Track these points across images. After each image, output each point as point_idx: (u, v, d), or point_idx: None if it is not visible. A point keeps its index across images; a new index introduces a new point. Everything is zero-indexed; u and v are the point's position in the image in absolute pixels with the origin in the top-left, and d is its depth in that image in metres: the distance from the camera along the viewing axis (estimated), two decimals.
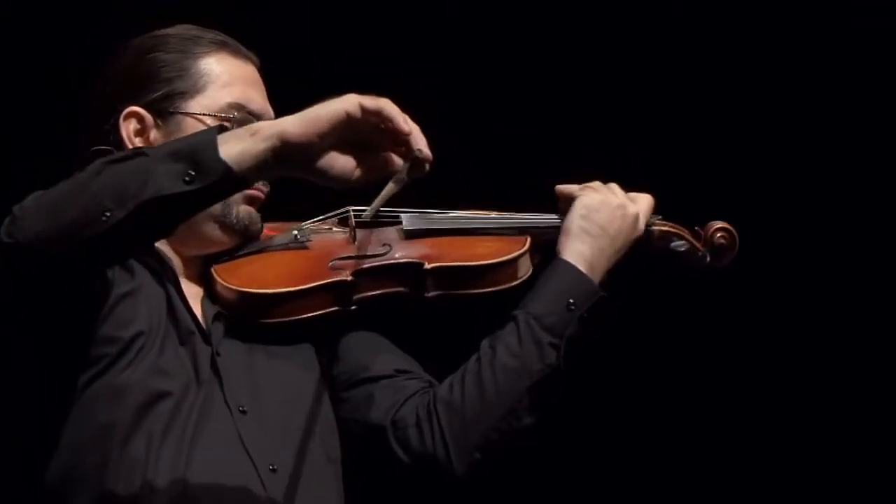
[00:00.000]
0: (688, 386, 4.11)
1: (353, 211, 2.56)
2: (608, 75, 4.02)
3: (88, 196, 2.19)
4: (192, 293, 2.51)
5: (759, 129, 4.05)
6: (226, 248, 2.54)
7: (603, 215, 2.58)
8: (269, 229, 2.60)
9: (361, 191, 2.30)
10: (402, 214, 2.59)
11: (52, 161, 3.58)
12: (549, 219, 2.63)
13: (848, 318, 4.10)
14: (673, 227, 2.69)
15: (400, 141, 2.23)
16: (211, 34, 2.56)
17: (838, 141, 4.05)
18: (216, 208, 2.47)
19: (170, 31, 2.57)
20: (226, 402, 2.42)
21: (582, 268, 2.55)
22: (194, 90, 2.53)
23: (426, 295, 2.53)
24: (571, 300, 2.51)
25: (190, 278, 2.54)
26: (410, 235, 2.60)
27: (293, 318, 2.50)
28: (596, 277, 2.55)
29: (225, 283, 2.49)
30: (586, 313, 2.51)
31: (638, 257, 2.66)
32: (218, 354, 2.46)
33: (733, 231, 2.70)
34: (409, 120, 2.23)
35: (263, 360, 2.50)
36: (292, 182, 2.47)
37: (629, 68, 4.02)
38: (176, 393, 2.39)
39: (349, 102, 2.19)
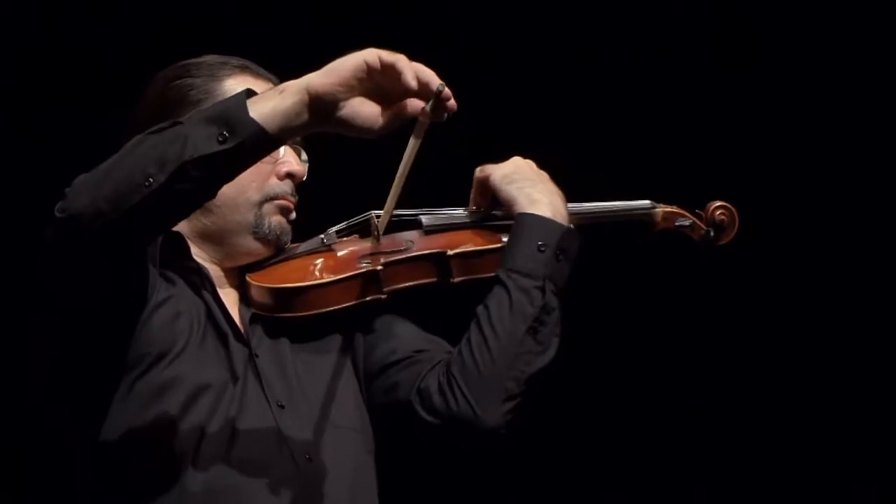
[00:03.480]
0: (687, 378, 4.11)
1: (376, 215, 2.67)
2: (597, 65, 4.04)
3: (131, 164, 2.31)
4: (231, 301, 2.64)
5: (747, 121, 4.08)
6: (259, 257, 2.67)
7: (520, 171, 2.68)
8: (294, 244, 2.73)
9: (388, 140, 2.39)
10: (420, 216, 2.73)
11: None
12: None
13: (847, 308, 4.10)
14: (676, 208, 2.83)
15: (419, 91, 2.33)
16: (234, 60, 2.68)
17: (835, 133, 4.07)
18: (249, 220, 2.62)
19: (195, 59, 2.68)
20: (265, 398, 2.55)
21: (538, 211, 2.62)
22: None
23: (452, 281, 2.66)
24: (540, 242, 2.60)
25: (228, 289, 2.67)
26: (431, 232, 2.73)
27: (325, 309, 2.61)
28: (561, 215, 2.63)
29: (258, 284, 2.62)
30: (559, 250, 2.60)
31: (645, 240, 2.80)
32: (256, 356, 2.58)
33: (732, 208, 2.83)
34: (423, 70, 2.33)
35: (299, 359, 2.63)
36: (317, 193, 2.64)
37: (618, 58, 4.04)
38: (216, 389, 2.52)
39: (368, 54, 2.31)
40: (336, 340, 2.68)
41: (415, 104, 2.33)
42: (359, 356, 2.68)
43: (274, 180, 2.65)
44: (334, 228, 2.73)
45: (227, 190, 2.55)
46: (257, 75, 2.68)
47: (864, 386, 4.15)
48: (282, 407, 2.55)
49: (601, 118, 4.09)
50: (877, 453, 4.15)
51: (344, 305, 2.62)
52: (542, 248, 2.59)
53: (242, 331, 2.60)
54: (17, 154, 3.82)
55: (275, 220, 2.64)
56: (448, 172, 2.81)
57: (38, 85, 3.84)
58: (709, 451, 4.19)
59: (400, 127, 2.36)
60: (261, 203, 2.63)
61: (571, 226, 2.63)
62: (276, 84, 2.65)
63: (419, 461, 2.69)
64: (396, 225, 2.69)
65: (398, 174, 2.43)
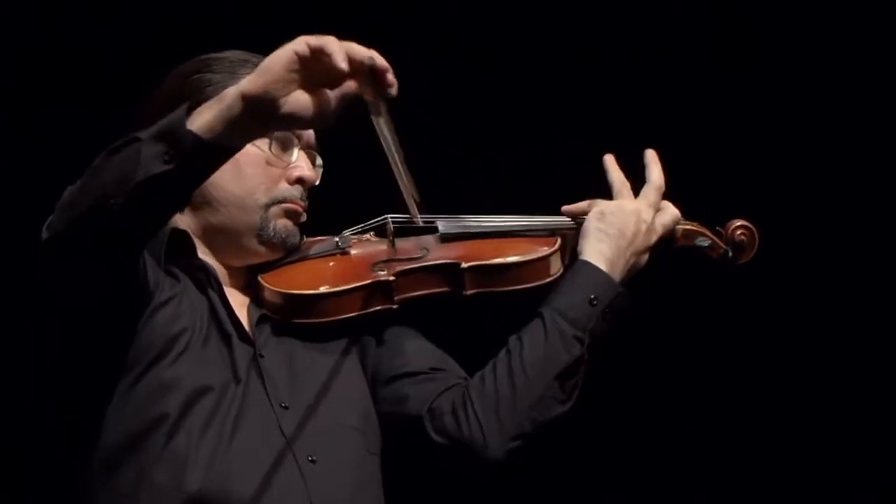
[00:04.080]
0: (700, 386, 4.11)
1: (392, 219, 2.67)
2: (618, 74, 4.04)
3: (97, 184, 2.28)
4: (238, 301, 2.63)
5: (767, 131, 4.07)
6: (265, 259, 2.65)
7: (618, 218, 2.68)
8: (309, 242, 2.72)
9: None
10: (438, 221, 2.70)
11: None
12: (576, 220, 2.74)
13: (863, 315, 4.10)
14: (696, 227, 2.80)
15: (354, 70, 2.22)
16: (255, 58, 2.62)
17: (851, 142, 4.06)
18: (255, 222, 2.60)
19: (216, 54, 2.66)
20: (268, 399, 2.54)
21: (602, 266, 2.65)
22: None
23: (465, 293, 2.64)
24: (593, 296, 2.62)
25: (236, 288, 2.66)
26: (447, 239, 2.71)
27: (336, 317, 2.61)
28: (616, 275, 2.65)
29: (271, 288, 2.61)
30: (608, 308, 2.62)
31: (663, 256, 2.78)
32: (261, 356, 2.57)
33: (753, 228, 2.81)
34: (353, 48, 2.23)
35: (306, 360, 2.62)
36: (332, 196, 2.65)
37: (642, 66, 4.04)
38: (217, 389, 2.50)
39: (297, 44, 2.22)
40: (345, 342, 2.67)
41: (354, 85, 2.23)
42: (368, 360, 2.68)
43: (283, 184, 2.64)
44: (349, 231, 2.73)
45: (235, 190, 2.58)
46: None
47: (868, 390, 4.14)
48: (285, 408, 2.54)
49: (601, 118, 4.08)
50: (877, 454, 4.15)
51: (355, 314, 2.61)
52: (594, 302, 2.61)
53: (248, 330, 2.59)
54: (17, 154, 3.81)
55: (280, 224, 2.63)
56: (447, 172, 2.80)
57: (38, 85, 3.84)
58: (711, 459, 4.18)
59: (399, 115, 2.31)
60: (267, 206, 2.62)
61: (624, 289, 2.64)
62: None
63: (427, 461, 2.68)
64: (413, 229, 2.68)
65: (390, 160, 2.35)
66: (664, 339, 4.13)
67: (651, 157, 2.76)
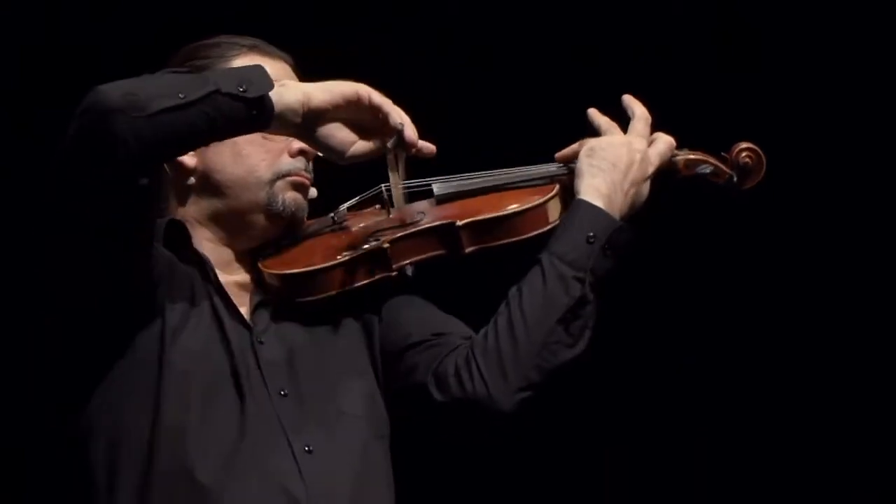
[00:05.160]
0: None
1: (386, 187, 2.65)
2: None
3: (160, 82, 2.38)
4: (238, 289, 2.61)
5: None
6: (274, 235, 2.65)
7: (609, 152, 2.64)
8: (307, 224, 2.71)
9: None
10: (433, 184, 2.69)
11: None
12: (570, 165, 2.72)
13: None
14: (698, 155, 2.74)
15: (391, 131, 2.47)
16: (244, 40, 2.69)
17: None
18: (261, 198, 2.60)
19: (206, 41, 2.69)
20: (266, 386, 2.52)
21: (597, 202, 2.60)
22: None
23: (464, 252, 2.61)
24: (591, 234, 2.56)
25: (235, 275, 2.64)
26: (442, 201, 2.69)
27: (335, 291, 2.59)
28: (615, 210, 2.60)
29: (270, 271, 2.60)
30: (608, 244, 2.56)
31: (668, 188, 2.72)
32: (260, 342, 2.55)
33: (759, 151, 2.72)
34: (402, 114, 2.47)
35: (307, 346, 2.59)
36: (327, 172, 2.65)
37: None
38: (214, 377, 2.49)
39: (362, 88, 2.45)
40: (349, 324, 2.65)
41: (385, 143, 2.47)
42: (375, 339, 2.64)
43: (286, 157, 2.63)
44: (345, 205, 2.72)
45: (236, 170, 2.59)
46: (268, 54, 2.66)
47: (874, 368, 4.15)
48: (284, 395, 2.52)
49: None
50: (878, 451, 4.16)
51: (354, 286, 2.59)
52: (592, 240, 2.56)
53: (247, 317, 2.58)
54: (17, 154, 3.82)
55: (289, 197, 2.62)
56: (447, 172, 2.79)
57: (38, 85, 3.84)
58: (711, 391, 4.19)
59: None
60: (272, 181, 2.61)
61: (623, 223, 2.60)
62: (288, 61, 2.68)
63: (441, 436, 2.68)
64: (411, 195, 2.67)
65: (395, 203, 2.57)
66: (666, 269, 4.12)
67: (629, 99, 2.74)
